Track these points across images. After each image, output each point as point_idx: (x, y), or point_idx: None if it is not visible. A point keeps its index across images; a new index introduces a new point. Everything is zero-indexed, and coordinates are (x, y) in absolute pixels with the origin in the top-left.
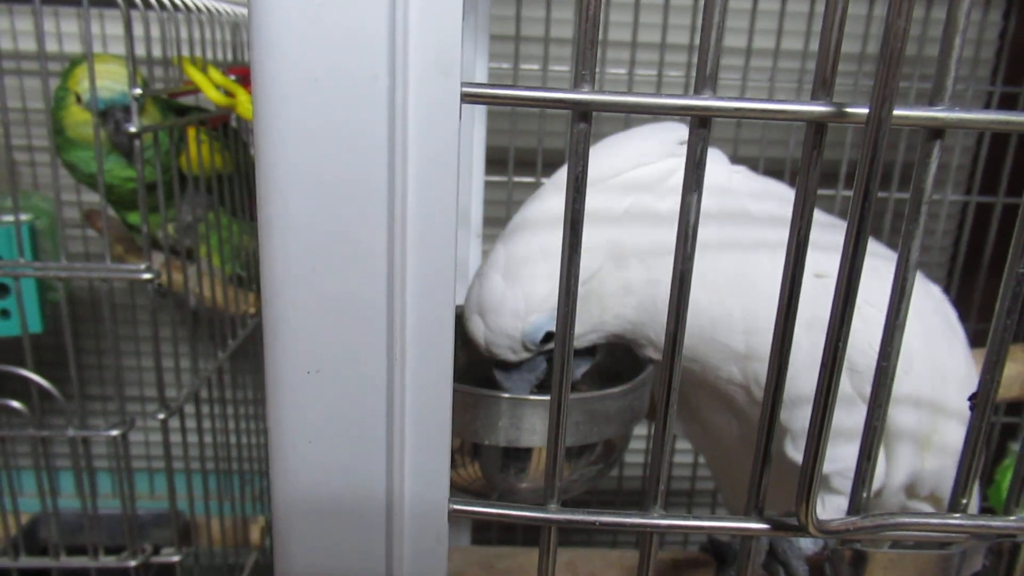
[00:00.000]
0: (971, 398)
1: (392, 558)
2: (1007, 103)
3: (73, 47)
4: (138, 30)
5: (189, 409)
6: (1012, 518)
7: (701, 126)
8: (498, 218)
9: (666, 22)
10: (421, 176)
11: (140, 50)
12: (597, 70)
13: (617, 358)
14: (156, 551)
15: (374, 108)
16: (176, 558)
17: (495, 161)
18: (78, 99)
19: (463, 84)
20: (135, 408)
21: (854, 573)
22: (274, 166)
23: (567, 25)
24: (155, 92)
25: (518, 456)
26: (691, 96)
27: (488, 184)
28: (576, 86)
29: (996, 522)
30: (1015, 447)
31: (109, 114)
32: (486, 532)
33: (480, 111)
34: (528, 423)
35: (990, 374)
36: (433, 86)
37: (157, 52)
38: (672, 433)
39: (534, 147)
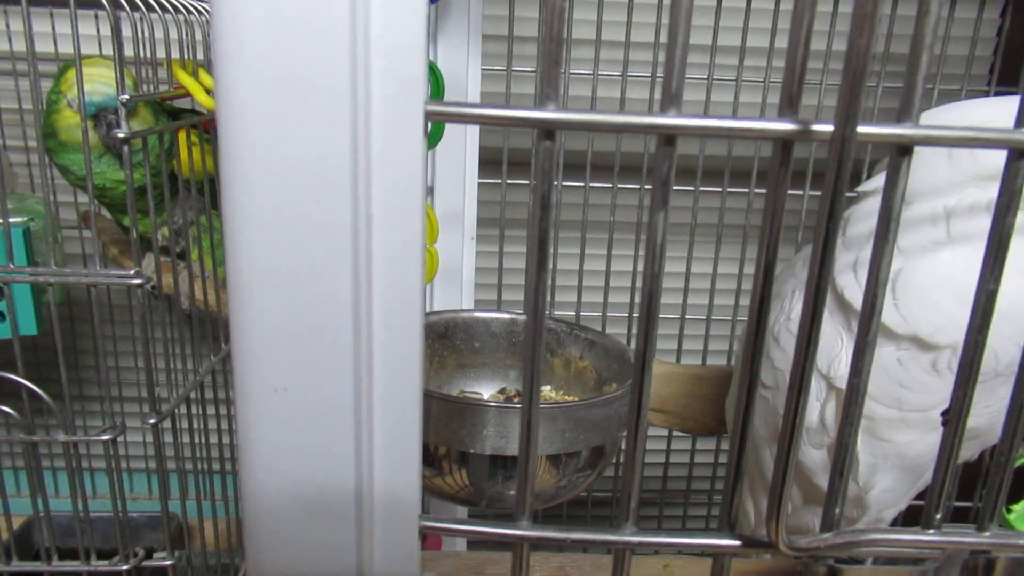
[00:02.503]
0: (944, 413)
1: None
2: None
3: (68, 48)
4: (130, 32)
5: (183, 411)
6: (986, 534)
7: (667, 144)
8: (492, 219)
9: (630, 19)
10: (387, 198)
11: (131, 52)
12: (562, 70)
13: (607, 364)
14: (149, 554)
15: (337, 131)
16: (169, 562)
17: (489, 162)
18: (70, 102)
19: (426, 103)
20: (134, 409)
21: None
22: (239, 192)
23: (588, 26)
24: (143, 97)
25: (505, 464)
26: (657, 114)
27: (482, 186)
28: (541, 104)
29: (969, 538)
30: None
31: (100, 116)
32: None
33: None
34: (515, 431)
35: (963, 389)
36: (397, 107)
37: (149, 54)
38: (642, 449)
39: (528, 147)
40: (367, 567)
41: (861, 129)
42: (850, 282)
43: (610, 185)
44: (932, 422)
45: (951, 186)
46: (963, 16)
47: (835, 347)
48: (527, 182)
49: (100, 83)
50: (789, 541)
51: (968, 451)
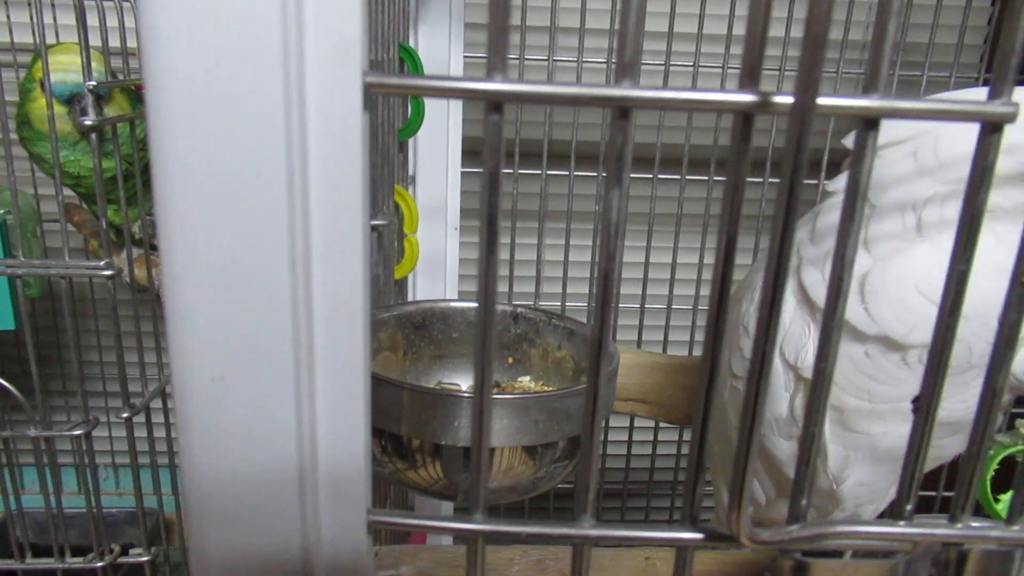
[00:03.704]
0: (914, 401)
1: (312, 570)
2: None
3: (49, 38)
4: (96, 21)
5: (157, 404)
6: (959, 525)
7: (622, 117)
8: (476, 210)
9: (585, 5)
10: (324, 175)
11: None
12: (517, 56)
13: (586, 353)
14: (125, 551)
15: (270, 102)
16: (145, 558)
17: (473, 152)
18: (43, 87)
19: (366, 73)
20: (114, 404)
21: None
22: (167, 176)
23: (544, 12)
24: (112, 84)
25: None
26: (610, 86)
27: (466, 176)
28: (488, 75)
29: (940, 530)
30: (1001, 437)
31: (74, 102)
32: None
33: (456, 103)
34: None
35: (933, 376)
36: (332, 77)
37: (117, 41)
38: (599, 442)
39: (512, 137)
40: (315, 562)
41: (824, 101)
42: (816, 281)
43: (595, 174)
44: (904, 413)
45: (918, 184)
46: (952, 3)
47: (802, 337)
48: (511, 171)
49: (73, 69)
50: (752, 534)
51: (949, 448)
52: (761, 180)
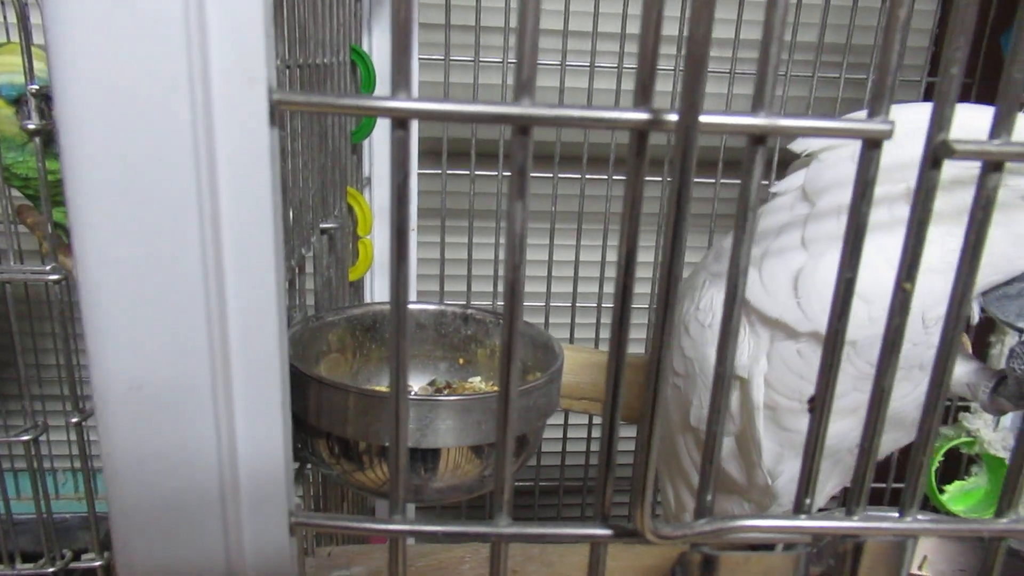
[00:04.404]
0: (810, 401)
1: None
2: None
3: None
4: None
5: None
6: (855, 518)
7: (522, 133)
8: (433, 210)
9: (508, 5)
10: (234, 186)
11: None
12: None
13: (532, 353)
14: (77, 556)
15: (177, 120)
16: (98, 563)
17: (429, 153)
18: None
19: (273, 91)
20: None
21: None
22: (82, 194)
23: (498, 13)
24: None
25: (425, 457)
26: (511, 104)
27: (422, 176)
28: (393, 94)
29: (836, 523)
30: (945, 430)
31: (22, 103)
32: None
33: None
34: (432, 423)
35: (826, 378)
36: (237, 95)
37: None
38: (511, 442)
39: (468, 138)
40: (236, 564)
41: (713, 119)
42: (753, 280)
43: (578, 176)
44: (835, 411)
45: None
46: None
47: (739, 335)
48: (467, 172)
49: (20, 70)
50: (655, 529)
51: (885, 444)
52: (713, 181)
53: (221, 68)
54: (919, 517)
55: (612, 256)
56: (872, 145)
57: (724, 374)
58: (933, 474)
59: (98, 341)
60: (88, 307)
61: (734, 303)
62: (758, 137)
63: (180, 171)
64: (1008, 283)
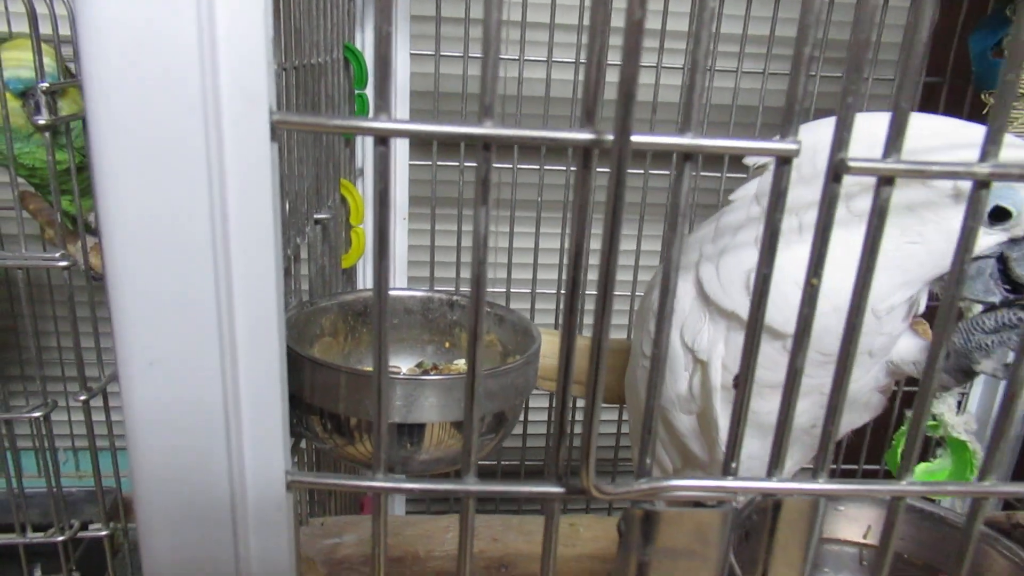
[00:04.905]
0: (735, 379)
1: (237, 527)
2: (928, 94)
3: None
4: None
5: (114, 388)
6: (773, 479)
7: (485, 149)
8: (423, 197)
9: (468, 11)
10: (241, 191)
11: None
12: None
13: (513, 337)
14: (84, 527)
15: (192, 137)
16: (104, 532)
17: (419, 142)
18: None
19: (273, 113)
20: (73, 388)
21: (644, 530)
22: (113, 203)
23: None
24: (67, 84)
25: (411, 431)
26: (475, 124)
27: (413, 167)
28: (375, 116)
29: (756, 483)
30: (910, 414)
31: (28, 95)
32: (420, 504)
33: (403, 94)
34: (418, 401)
35: (748, 360)
36: (243, 116)
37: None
38: (476, 412)
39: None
40: (240, 513)
41: (644, 139)
42: (711, 276)
43: (537, 167)
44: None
45: (801, 191)
46: None
47: (698, 323)
48: (457, 164)
49: (26, 64)
50: (600, 488)
51: (852, 423)
52: (719, 174)
53: (229, 94)
54: (828, 480)
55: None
56: (783, 161)
57: (659, 356)
58: (898, 455)
59: (122, 324)
60: (114, 295)
61: (665, 298)
62: (686, 154)
63: (195, 180)
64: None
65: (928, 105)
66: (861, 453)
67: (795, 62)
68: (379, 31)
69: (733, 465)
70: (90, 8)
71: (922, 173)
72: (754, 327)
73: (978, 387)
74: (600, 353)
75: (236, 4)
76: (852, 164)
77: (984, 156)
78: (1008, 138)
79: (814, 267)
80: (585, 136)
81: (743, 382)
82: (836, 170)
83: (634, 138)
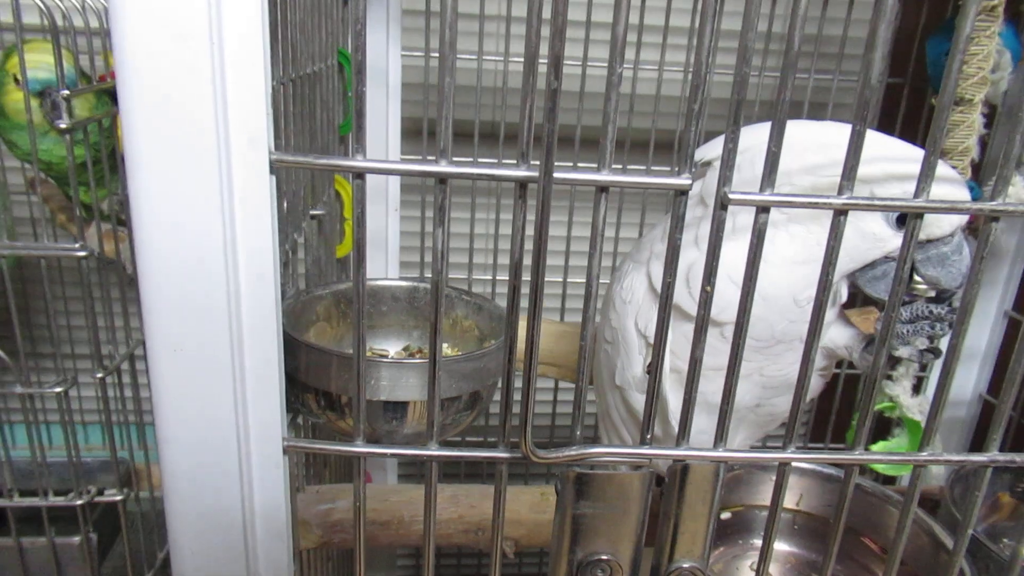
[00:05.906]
0: (649, 367)
1: (243, 484)
2: (889, 95)
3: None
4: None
5: (128, 367)
6: (681, 447)
7: (441, 183)
8: (414, 186)
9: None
10: (246, 213)
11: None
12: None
13: (488, 324)
14: (100, 492)
15: (208, 173)
16: (119, 497)
17: (412, 132)
18: (16, 81)
19: (272, 153)
20: (83, 366)
21: (576, 490)
22: (144, 217)
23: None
24: (85, 90)
25: (395, 408)
26: (432, 163)
27: (405, 160)
28: (352, 156)
29: (666, 450)
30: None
31: (45, 94)
32: (413, 474)
33: (395, 88)
34: (402, 381)
35: (658, 349)
36: (248, 157)
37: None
38: (449, 391)
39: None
40: (245, 469)
41: (567, 175)
42: (658, 272)
43: (495, 160)
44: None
45: (746, 187)
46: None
47: (650, 312)
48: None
49: (44, 66)
50: (536, 453)
51: (779, 407)
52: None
53: (237, 139)
54: (726, 450)
55: (574, 244)
56: (679, 193)
57: (585, 347)
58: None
59: (152, 318)
60: (145, 296)
61: (589, 300)
62: (602, 188)
63: (211, 206)
64: (871, 266)
65: (889, 105)
66: (827, 431)
67: (688, 115)
68: (356, 91)
69: (648, 436)
70: (130, 83)
71: (790, 203)
72: (661, 325)
73: (935, 372)
74: (533, 348)
75: (244, 78)
76: (733, 197)
77: (840, 190)
78: (905, 151)
79: (707, 276)
80: (520, 173)
81: (655, 368)
82: (723, 202)
83: (557, 175)
